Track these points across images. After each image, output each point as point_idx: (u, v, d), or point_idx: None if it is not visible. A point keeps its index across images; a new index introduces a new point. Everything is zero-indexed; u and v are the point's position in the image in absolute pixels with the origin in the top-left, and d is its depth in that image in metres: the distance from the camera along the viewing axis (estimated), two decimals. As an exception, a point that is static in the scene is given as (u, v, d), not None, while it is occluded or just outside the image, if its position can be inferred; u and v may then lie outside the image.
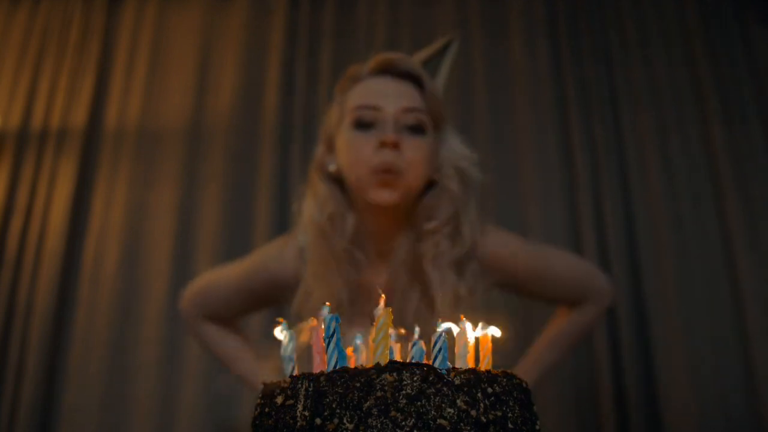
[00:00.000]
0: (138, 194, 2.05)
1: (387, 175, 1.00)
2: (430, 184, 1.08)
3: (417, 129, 1.04)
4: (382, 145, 1.00)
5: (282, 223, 1.98)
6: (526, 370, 1.12)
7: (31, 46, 2.20)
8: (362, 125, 1.03)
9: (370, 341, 0.55)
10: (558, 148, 2.03)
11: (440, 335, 0.54)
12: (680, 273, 1.88)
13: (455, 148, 1.10)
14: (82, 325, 1.92)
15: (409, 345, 0.56)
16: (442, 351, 0.52)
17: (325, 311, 0.57)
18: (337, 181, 1.09)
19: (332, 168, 1.09)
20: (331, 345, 0.54)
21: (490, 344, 0.60)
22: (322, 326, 0.56)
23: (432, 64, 1.34)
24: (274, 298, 1.17)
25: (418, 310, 1.06)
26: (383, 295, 0.60)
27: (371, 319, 1.06)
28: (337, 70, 2.14)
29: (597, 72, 2.10)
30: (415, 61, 1.13)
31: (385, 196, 1.02)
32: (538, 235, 1.92)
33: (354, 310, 1.07)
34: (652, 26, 2.16)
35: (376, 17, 2.20)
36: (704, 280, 1.88)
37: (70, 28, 2.21)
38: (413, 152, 1.02)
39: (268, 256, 1.18)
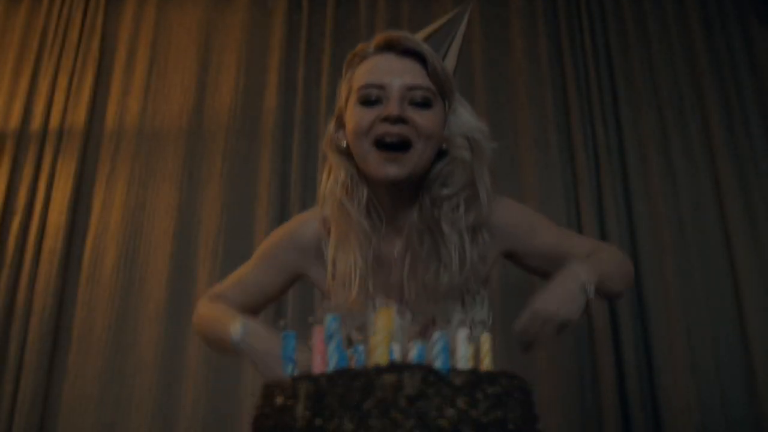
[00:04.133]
0: (137, 194, 2.05)
1: (394, 153, 1.01)
2: (438, 157, 1.08)
3: (423, 104, 1.04)
4: (385, 119, 1.01)
5: (282, 224, 1.98)
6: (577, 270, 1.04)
7: (31, 46, 2.20)
8: (367, 103, 1.05)
9: (371, 341, 0.55)
10: (559, 148, 2.03)
11: (441, 336, 0.54)
12: (680, 273, 1.88)
13: (465, 119, 1.10)
14: (81, 324, 1.92)
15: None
16: (442, 352, 0.52)
17: (327, 315, 0.57)
18: (350, 156, 1.11)
19: (343, 144, 1.11)
20: (331, 346, 0.54)
21: (489, 345, 0.60)
22: (323, 327, 0.56)
23: (443, 33, 1.34)
24: (300, 270, 1.18)
25: (428, 279, 1.07)
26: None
27: (393, 289, 1.06)
28: (337, 70, 2.14)
29: (598, 72, 2.10)
30: (419, 38, 1.13)
31: (392, 172, 1.02)
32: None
33: (376, 282, 1.08)
34: (653, 26, 2.16)
35: (376, 17, 2.20)
36: (704, 280, 1.88)
37: (70, 28, 2.21)
38: (422, 122, 1.02)
39: (292, 226, 1.21)
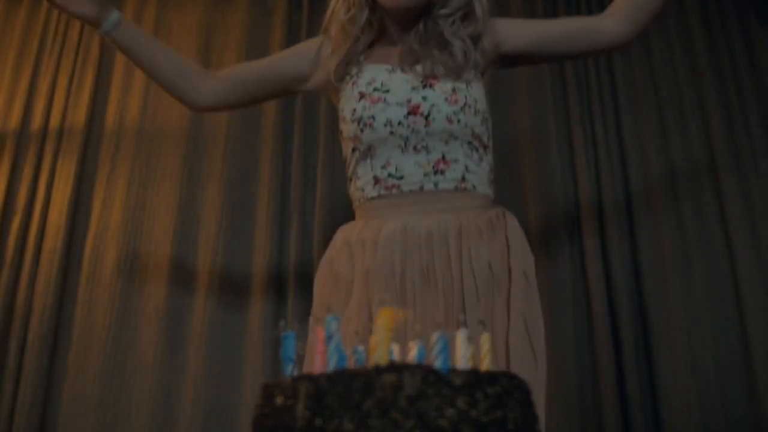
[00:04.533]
0: (137, 194, 2.05)
1: None
2: None
3: None
4: None
5: (282, 223, 1.98)
6: None
7: (31, 46, 2.19)
8: None
9: (371, 341, 0.55)
10: (559, 148, 2.03)
11: (441, 336, 0.54)
12: (680, 273, 1.87)
13: None
14: (81, 324, 1.92)
15: None
16: (442, 352, 0.52)
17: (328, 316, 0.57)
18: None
19: None
20: (331, 346, 0.54)
21: (489, 345, 0.60)
22: (322, 327, 0.56)
23: None
24: (298, 73, 1.35)
25: (430, 68, 1.21)
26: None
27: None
28: (337, 70, 2.15)
29: (598, 72, 2.10)
30: None
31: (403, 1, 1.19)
32: (538, 234, 1.93)
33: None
34: (653, 26, 2.16)
35: (376, 17, 2.20)
36: (705, 280, 1.88)
37: (70, 28, 2.21)
38: None
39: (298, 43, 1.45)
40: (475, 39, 1.23)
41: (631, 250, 1.92)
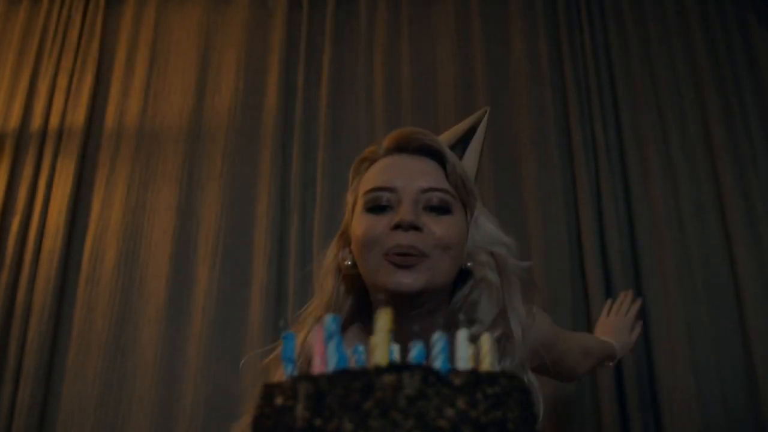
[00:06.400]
0: (137, 194, 2.05)
1: (407, 258, 0.85)
2: (460, 278, 0.92)
3: (441, 209, 0.89)
4: (397, 226, 0.86)
5: (282, 224, 1.98)
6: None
7: (31, 46, 2.20)
8: (377, 209, 0.89)
9: (371, 341, 0.55)
10: (558, 148, 2.03)
11: (440, 337, 0.54)
12: (680, 273, 1.88)
13: (488, 230, 0.93)
14: (81, 324, 1.92)
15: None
16: (442, 352, 0.52)
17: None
18: (356, 280, 0.93)
19: (348, 262, 0.94)
20: (331, 346, 0.54)
21: (489, 345, 0.59)
22: (322, 327, 0.56)
23: (459, 139, 1.25)
24: None
25: None
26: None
27: None
28: (338, 70, 2.15)
29: (598, 72, 2.10)
30: (436, 137, 0.98)
31: (406, 281, 0.84)
32: (538, 235, 1.93)
33: None
34: (653, 26, 2.16)
35: (376, 17, 2.20)
36: (704, 280, 1.88)
37: (69, 28, 2.21)
38: (440, 230, 0.87)
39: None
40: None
41: (631, 249, 1.93)
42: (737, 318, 1.83)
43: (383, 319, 0.56)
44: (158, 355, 1.87)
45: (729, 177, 1.94)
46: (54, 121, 2.09)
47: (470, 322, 0.89)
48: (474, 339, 0.83)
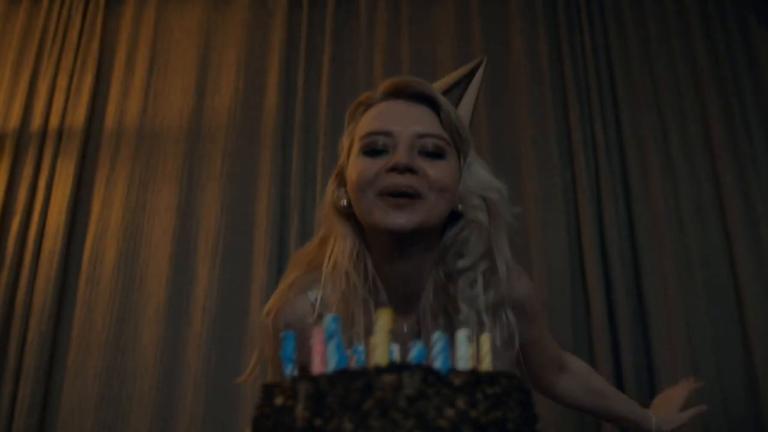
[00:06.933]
0: (137, 194, 2.05)
1: (400, 198, 0.88)
2: (451, 219, 0.95)
3: (436, 154, 0.92)
4: (393, 169, 0.89)
5: (282, 224, 1.98)
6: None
7: (31, 46, 2.20)
8: (372, 152, 0.92)
9: (371, 341, 0.55)
10: (558, 148, 2.03)
11: (440, 337, 0.54)
12: (680, 273, 1.88)
13: (481, 176, 0.97)
14: (81, 324, 1.92)
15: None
16: (442, 352, 0.52)
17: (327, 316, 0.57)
18: (352, 218, 0.96)
19: (344, 202, 0.96)
20: (331, 346, 0.54)
21: (489, 345, 0.59)
22: (322, 327, 0.56)
23: (459, 88, 1.27)
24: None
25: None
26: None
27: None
28: (338, 70, 2.15)
29: (598, 72, 2.10)
30: (431, 84, 1.00)
31: (400, 221, 0.88)
32: (538, 235, 1.93)
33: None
34: (653, 26, 2.16)
35: (376, 17, 2.20)
36: (704, 280, 1.88)
37: (69, 28, 2.21)
38: (434, 173, 0.90)
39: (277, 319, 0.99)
40: (497, 310, 0.95)
41: (631, 249, 1.93)
42: (737, 318, 1.84)
43: (383, 319, 0.56)
44: (158, 355, 1.87)
45: (729, 177, 1.94)
46: (54, 121, 2.09)
47: (459, 256, 0.94)
48: (461, 272, 0.92)
